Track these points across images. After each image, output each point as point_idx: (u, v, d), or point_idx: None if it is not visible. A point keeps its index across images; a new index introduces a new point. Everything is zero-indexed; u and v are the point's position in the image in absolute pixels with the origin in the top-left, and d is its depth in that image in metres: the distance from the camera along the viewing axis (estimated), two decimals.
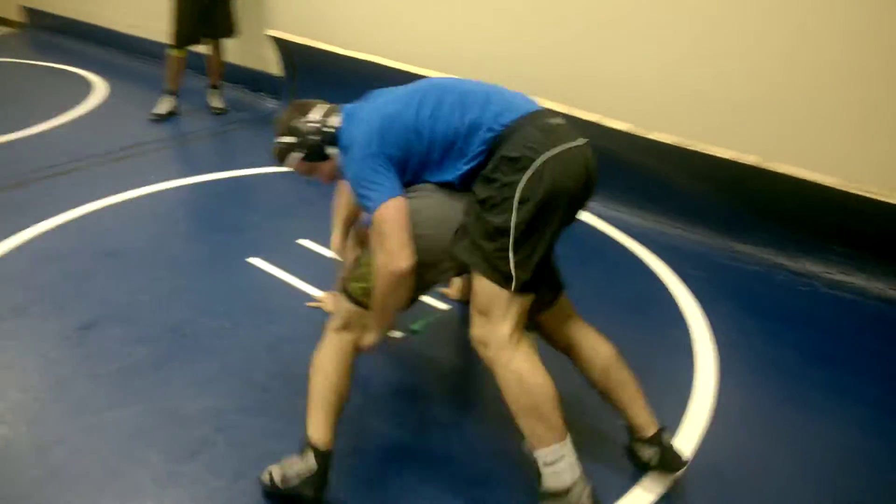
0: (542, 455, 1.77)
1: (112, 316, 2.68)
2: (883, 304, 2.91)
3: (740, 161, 3.05)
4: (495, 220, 1.76)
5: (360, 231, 2.40)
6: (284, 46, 4.81)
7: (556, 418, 1.78)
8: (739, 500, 1.98)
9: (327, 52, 4.52)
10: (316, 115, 2.02)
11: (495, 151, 1.80)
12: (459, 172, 1.86)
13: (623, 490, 1.99)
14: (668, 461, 1.98)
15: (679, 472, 2.00)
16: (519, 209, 1.74)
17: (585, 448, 2.07)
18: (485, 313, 1.82)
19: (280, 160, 2.10)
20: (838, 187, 2.87)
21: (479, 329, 1.83)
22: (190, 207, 3.68)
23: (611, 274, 3.09)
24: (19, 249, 3.14)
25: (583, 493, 1.76)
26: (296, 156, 2.04)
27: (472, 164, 1.84)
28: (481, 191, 1.80)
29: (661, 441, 1.97)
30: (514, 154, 1.76)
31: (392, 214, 1.82)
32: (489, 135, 1.81)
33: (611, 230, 3.46)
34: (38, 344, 2.52)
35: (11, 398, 2.26)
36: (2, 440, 2.10)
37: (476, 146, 1.83)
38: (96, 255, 3.10)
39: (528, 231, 1.76)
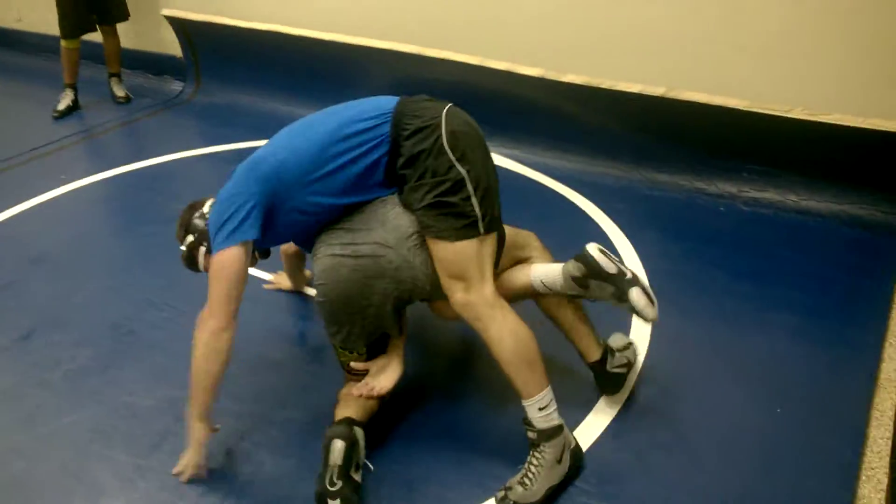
0: (536, 401, 1.82)
1: (49, 322, 2.62)
2: (798, 216, 3.09)
3: (648, 93, 3.17)
4: (445, 177, 1.81)
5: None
6: (182, 25, 4.66)
7: (542, 364, 1.85)
8: (683, 412, 2.12)
9: (227, 26, 4.40)
10: (206, 206, 2.04)
11: (398, 142, 1.86)
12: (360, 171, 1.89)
13: (580, 415, 2.10)
14: (603, 384, 2.15)
15: (614, 394, 2.15)
16: (459, 160, 1.81)
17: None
18: (461, 278, 1.83)
19: (190, 265, 2.10)
20: (744, 108, 3.02)
21: (461, 294, 1.83)
22: (111, 202, 3.58)
23: (540, 216, 3.17)
24: None
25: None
26: (202, 252, 2.03)
27: (375, 154, 1.88)
28: (414, 171, 1.85)
29: (601, 366, 2.12)
30: (418, 125, 1.84)
31: (222, 265, 1.83)
32: (377, 121, 1.88)
33: (536, 175, 3.55)
34: None
35: None
36: None
37: (369, 138, 1.87)
38: (20, 264, 3.00)
39: (478, 177, 1.83)
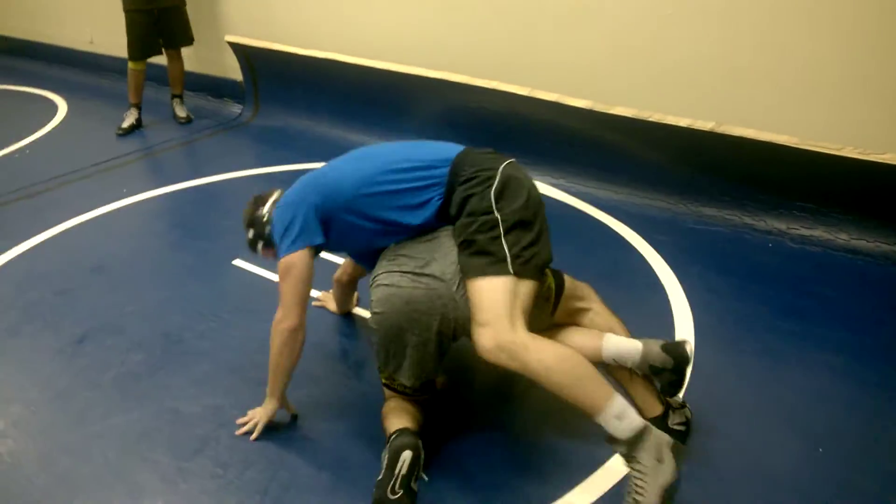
0: (610, 412, 1.71)
1: (103, 328, 2.72)
2: (847, 255, 3.04)
3: (697, 127, 3.18)
4: (482, 218, 1.88)
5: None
6: (243, 51, 4.84)
7: (598, 373, 1.78)
8: (723, 450, 2.09)
9: (285, 52, 4.56)
10: (268, 204, 2.17)
11: (453, 187, 1.95)
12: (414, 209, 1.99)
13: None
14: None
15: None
16: (497, 202, 1.89)
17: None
18: (487, 321, 1.79)
19: (254, 252, 2.25)
20: (793, 145, 3.00)
21: (486, 339, 1.79)
22: (167, 217, 3.71)
23: (585, 247, 3.20)
24: (2, 272, 3.15)
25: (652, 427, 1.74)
26: (261, 245, 2.20)
27: (428, 193, 1.99)
28: (460, 213, 1.94)
29: (662, 422, 2.03)
30: (474, 174, 1.93)
31: (289, 268, 1.98)
32: (437, 164, 1.99)
33: (582, 205, 3.56)
34: (35, 360, 2.56)
35: (13, 413, 2.31)
36: (8, 454, 2.14)
37: (425, 176, 1.98)
38: (81, 272, 3.13)
39: (513, 221, 1.88)
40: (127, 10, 4.65)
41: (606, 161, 3.60)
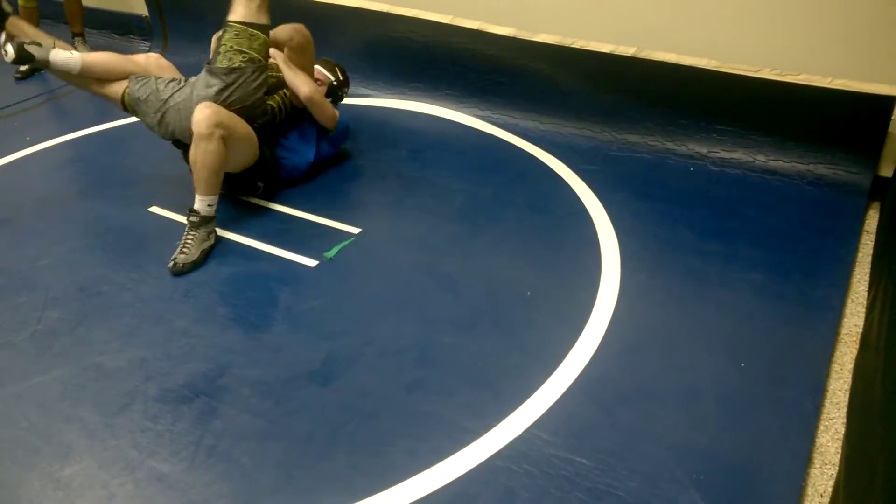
0: (208, 198, 2.73)
1: (14, 285, 2.59)
2: (766, 175, 3.12)
3: (620, 53, 3.17)
4: None
5: None
6: None
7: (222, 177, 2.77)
8: (649, 368, 2.15)
9: None
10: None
11: None
12: None
13: (550, 369, 2.13)
14: None
15: None
16: None
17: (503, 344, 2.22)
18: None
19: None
20: (713, 68, 3.03)
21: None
22: (76, 165, 3.51)
23: (513, 178, 3.19)
24: None
25: None
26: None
27: None
28: None
29: None
30: None
31: None
32: None
33: (508, 136, 3.53)
34: None
35: None
36: None
37: None
38: None
39: None
40: None
41: (531, 91, 3.56)
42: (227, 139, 2.66)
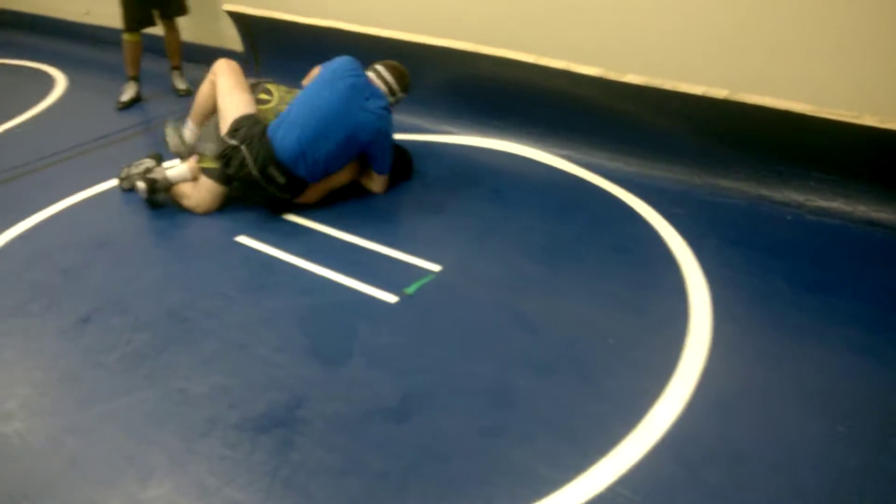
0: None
1: (108, 307, 2.68)
2: (867, 227, 2.96)
3: (712, 95, 3.09)
4: None
5: None
6: (242, 20, 4.73)
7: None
8: (743, 429, 2.04)
9: (287, 21, 4.45)
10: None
11: None
12: None
13: (633, 422, 2.05)
14: None
15: None
16: None
17: (594, 393, 2.15)
18: None
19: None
20: (811, 113, 2.92)
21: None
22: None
23: (597, 221, 3.13)
24: (6, 249, 3.11)
25: None
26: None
27: None
28: None
29: None
30: None
31: None
32: None
33: (591, 177, 3.48)
34: (40, 340, 2.53)
35: (20, 394, 2.27)
36: (16, 435, 2.11)
37: None
38: (85, 249, 3.08)
39: None
40: None
41: (617, 131, 3.51)
42: None
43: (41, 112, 4.82)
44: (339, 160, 3.20)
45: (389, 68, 3.40)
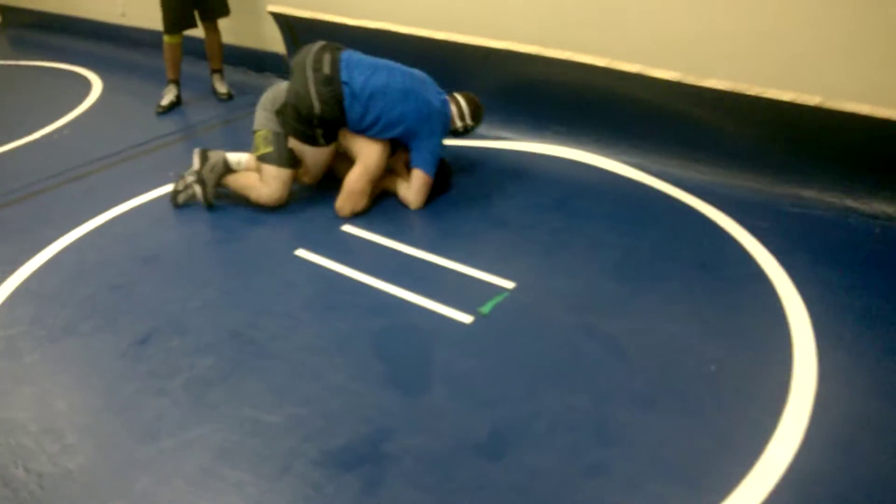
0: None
1: (165, 326, 2.53)
2: None
3: (802, 102, 2.89)
4: None
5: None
6: (286, 21, 4.58)
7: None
8: (870, 467, 1.86)
9: (333, 23, 4.30)
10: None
11: None
12: None
13: (751, 461, 1.88)
14: None
15: None
16: None
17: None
18: None
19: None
20: None
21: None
22: (218, 202, 3.48)
23: (675, 234, 2.95)
24: (52, 263, 2.97)
25: None
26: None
27: None
28: None
29: None
30: None
31: None
32: None
33: (664, 186, 3.30)
34: (96, 363, 2.38)
35: (81, 424, 2.13)
36: (80, 471, 1.97)
37: None
38: (134, 263, 2.94)
39: None
40: None
41: (691, 137, 3.32)
42: None
43: (78, 116, 4.71)
44: (385, 125, 3.08)
45: (465, 96, 3.34)
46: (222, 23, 4.69)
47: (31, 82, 5.56)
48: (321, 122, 3.04)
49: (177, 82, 4.71)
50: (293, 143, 3.13)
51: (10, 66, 6.05)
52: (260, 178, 3.20)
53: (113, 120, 4.64)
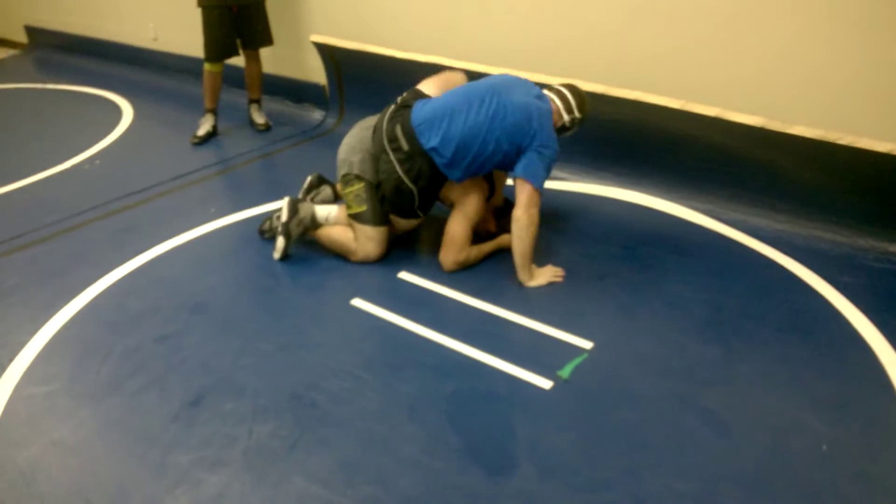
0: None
1: (219, 386, 2.34)
2: None
3: None
4: None
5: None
6: (329, 52, 4.43)
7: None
8: None
9: (379, 55, 4.14)
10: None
11: None
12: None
13: None
14: None
15: None
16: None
17: None
18: None
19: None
20: None
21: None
22: (264, 244, 3.29)
23: (758, 289, 2.75)
24: (91, 309, 2.79)
25: None
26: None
27: None
28: None
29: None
30: None
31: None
32: None
33: (739, 235, 3.11)
34: (145, 428, 2.18)
35: (139, 501, 1.93)
36: None
37: None
38: (180, 311, 2.75)
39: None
40: (204, 6, 4.24)
41: (768, 185, 3.14)
42: None
43: (110, 145, 4.55)
44: (483, 163, 2.77)
45: (566, 86, 2.93)
46: (262, 51, 4.55)
47: (59, 107, 5.41)
48: (421, 192, 2.83)
49: (214, 112, 4.56)
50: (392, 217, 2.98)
51: (37, 89, 5.91)
52: (355, 238, 2.98)
53: (147, 150, 4.48)
